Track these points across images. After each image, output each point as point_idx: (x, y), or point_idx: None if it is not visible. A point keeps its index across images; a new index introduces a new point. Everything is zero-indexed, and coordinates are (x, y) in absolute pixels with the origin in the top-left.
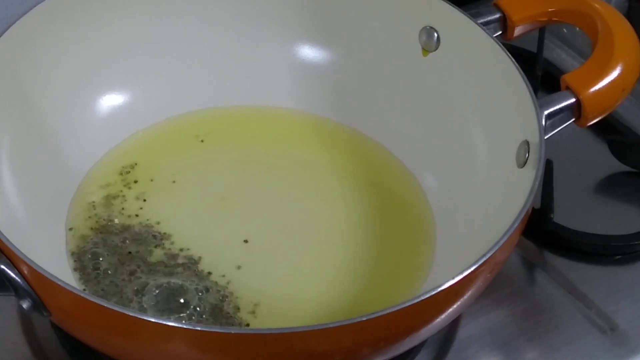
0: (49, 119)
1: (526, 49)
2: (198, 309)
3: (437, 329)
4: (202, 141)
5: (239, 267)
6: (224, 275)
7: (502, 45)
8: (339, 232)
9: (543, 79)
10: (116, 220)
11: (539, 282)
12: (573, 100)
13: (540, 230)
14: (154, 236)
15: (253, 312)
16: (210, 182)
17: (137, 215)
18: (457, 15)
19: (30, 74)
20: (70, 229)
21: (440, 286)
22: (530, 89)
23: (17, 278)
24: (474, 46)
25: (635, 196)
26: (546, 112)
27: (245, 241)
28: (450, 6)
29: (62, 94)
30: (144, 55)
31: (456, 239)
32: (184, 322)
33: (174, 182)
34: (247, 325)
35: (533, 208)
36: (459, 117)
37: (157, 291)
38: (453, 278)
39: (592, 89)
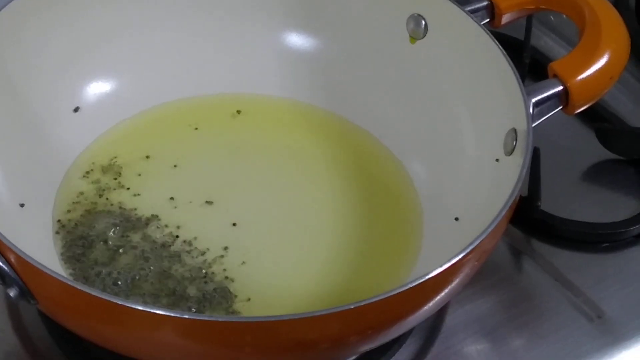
0: (35, 107)
1: (514, 37)
2: (186, 296)
3: (425, 317)
4: (195, 129)
5: (226, 254)
6: (210, 264)
7: (489, 33)
8: (327, 219)
9: (530, 66)
10: (104, 208)
11: (526, 270)
12: (560, 88)
13: (528, 218)
14: (143, 223)
15: (241, 300)
16: (199, 168)
17: (124, 202)
18: (444, 3)
19: (16, 61)
20: (58, 217)
21: (427, 274)
22: (518, 76)
23: (4, 266)
24: (462, 34)
25: (622, 184)
26: (534, 100)
27: (234, 224)
28: None
29: (49, 82)
30: (131, 43)
31: (444, 227)
32: (171, 310)
33: (173, 167)
34: (235, 313)
35: (520, 196)
36: (447, 105)
37: (145, 278)
38: (440, 266)
39: (580, 77)
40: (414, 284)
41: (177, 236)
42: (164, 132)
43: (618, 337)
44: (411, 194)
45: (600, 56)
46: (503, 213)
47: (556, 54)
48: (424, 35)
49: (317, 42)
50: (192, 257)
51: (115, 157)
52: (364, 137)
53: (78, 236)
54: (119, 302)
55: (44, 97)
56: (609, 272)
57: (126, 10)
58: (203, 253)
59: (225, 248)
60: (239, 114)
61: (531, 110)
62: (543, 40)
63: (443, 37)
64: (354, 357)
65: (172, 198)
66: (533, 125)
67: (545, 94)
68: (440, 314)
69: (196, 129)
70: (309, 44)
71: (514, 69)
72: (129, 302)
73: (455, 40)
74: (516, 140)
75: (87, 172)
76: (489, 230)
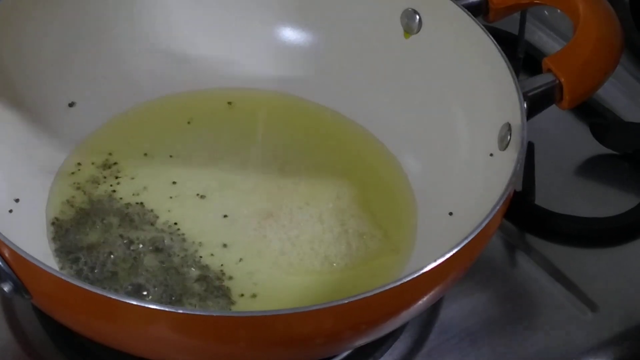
0: (30, 102)
1: (508, 31)
2: (183, 291)
3: (419, 312)
4: (188, 123)
5: (225, 250)
6: (207, 259)
7: (484, 28)
8: (321, 214)
9: (525, 61)
10: (98, 202)
11: (520, 265)
12: (555, 82)
13: (522, 213)
14: (138, 217)
15: (237, 295)
16: (194, 163)
17: (119, 197)
18: None
19: (11, 56)
20: (52, 212)
21: (421, 269)
22: (512, 71)
23: None
24: (456, 28)
25: (616, 178)
26: (528, 95)
27: (225, 216)
28: None
29: (44, 77)
30: (125, 38)
31: (438, 222)
32: (165, 304)
33: (168, 162)
34: (231, 308)
35: (514, 190)
36: (441, 100)
37: (141, 273)
38: (435, 261)
39: (574, 72)
40: (408, 278)
41: (174, 230)
42: (158, 127)
43: (612, 332)
44: (405, 188)
45: (594, 51)
46: (497, 208)
47: (550, 48)
48: (418, 30)
49: (312, 37)
50: (189, 252)
51: (110, 152)
52: (358, 132)
53: (72, 231)
54: (113, 297)
55: (39, 92)
56: (602, 266)
57: (120, 5)
58: (199, 247)
59: (225, 245)
60: (230, 105)
61: (525, 105)
62: (537, 35)
63: (437, 31)
64: (349, 352)
65: (167, 192)
66: (527, 119)
67: (539, 89)
68: (434, 309)
69: (189, 122)
70: (303, 39)
71: (508, 63)
72: (123, 297)
73: (450, 35)
74: (510, 134)
75: (82, 167)
76: (483, 225)
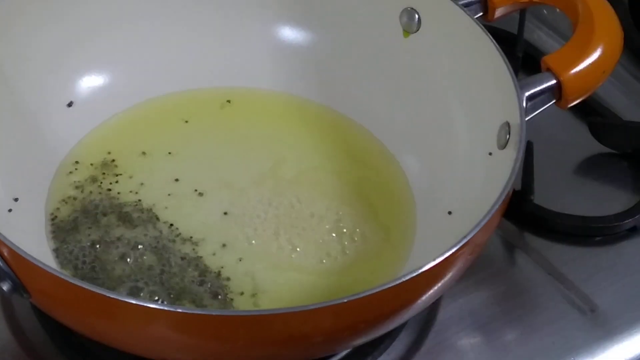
0: (29, 102)
1: (507, 31)
2: (182, 290)
3: (418, 311)
4: (186, 122)
5: (224, 250)
6: (206, 259)
7: (483, 27)
8: (319, 213)
9: (524, 60)
10: (97, 201)
11: (519, 264)
12: (554, 81)
13: (521, 212)
14: (136, 216)
15: (235, 294)
16: (191, 161)
17: (118, 196)
18: None
19: (9, 56)
20: (51, 211)
21: (420, 268)
22: (511, 70)
23: None
24: (455, 28)
25: (615, 177)
26: (527, 94)
27: (225, 213)
28: None
29: (42, 75)
30: (124, 36)
31: (437, 221)
32: (164, 304)
33: (165, 160)
34: (231, 307)
35: (514, 190)
36: (440, 99)
37: (139, 272)
38: (434, 260)
39: (573, 71)
40: (407, 277)
41: (173, 229)
42: (157, 125)
43: (611, 331)
44: (405, 187)
45: (593, 50)
46: (496, 207)
47: (549, 47)
48: (418, 29)
49: (311, 36)
50: (188, 251)
51: (108, 151)
52: (357, 130)
53: (71, 230)
54: (113, 296)
55: (38, 91)
56: (601, 265)
57: (118, 3)
58: (198, 246)
59: (224, 245)
60: (229, 103)
61: (524, 104)
62: (536, 34)
63: (436, 30)
64: (348, 351)
65: (165, 190)
66: (526, 119)
67: (538, 88)
68: (433, 308)
69: (187, 121)
70: (303, 38)
71: (507, 62)
72: (122, 296)
73: (449, 34)
74: (509, 134)
75: (81, 166)
76: (482, 224)
